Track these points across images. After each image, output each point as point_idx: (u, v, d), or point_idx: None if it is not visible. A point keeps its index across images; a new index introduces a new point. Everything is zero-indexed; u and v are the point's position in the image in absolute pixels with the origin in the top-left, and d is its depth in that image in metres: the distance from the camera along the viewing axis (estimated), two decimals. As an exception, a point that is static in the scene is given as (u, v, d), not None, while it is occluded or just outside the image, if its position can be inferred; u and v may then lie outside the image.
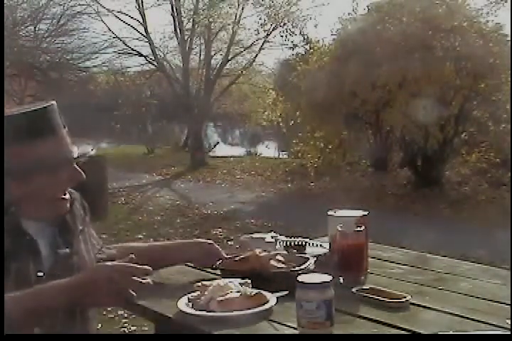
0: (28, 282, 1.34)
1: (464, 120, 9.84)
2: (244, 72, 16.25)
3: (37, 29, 16.92)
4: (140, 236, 7.05)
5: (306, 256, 1.73)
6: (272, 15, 14.51)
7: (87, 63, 17.30)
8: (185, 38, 14.95)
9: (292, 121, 11.83)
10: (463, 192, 10.04)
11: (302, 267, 1.63)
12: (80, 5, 15.97)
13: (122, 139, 20.36)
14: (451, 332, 1.28)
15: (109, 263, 1.29)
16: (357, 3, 11.53)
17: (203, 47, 15.90)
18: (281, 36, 14.62)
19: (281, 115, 12.98)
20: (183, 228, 7.56)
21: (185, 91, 14.98)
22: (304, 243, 1.91)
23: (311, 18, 14.69)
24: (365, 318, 1.41)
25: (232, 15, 14.98)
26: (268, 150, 20.49)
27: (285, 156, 17.10)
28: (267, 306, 1.42)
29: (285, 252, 1.80)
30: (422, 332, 1.32)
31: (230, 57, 15.62)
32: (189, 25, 14.98)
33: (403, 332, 1.33)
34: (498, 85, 9.31)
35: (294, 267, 1.64)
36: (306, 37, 14.17)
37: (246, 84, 17.60)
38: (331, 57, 10.63)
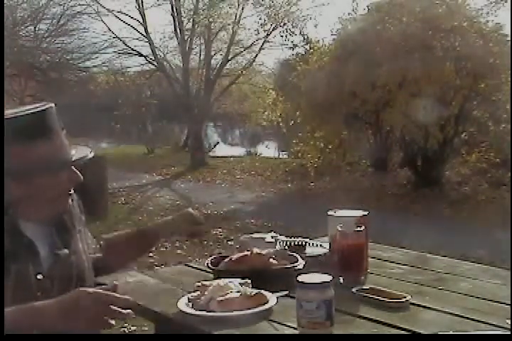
0: (27, 283, 1.34)
1: (463, 120, 9.84)
2: (244, 72, 16.25)
3: (37, 29, 16.91)
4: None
5: (295, 255, 1.74)
6: (272, 15, 14.50)
7: (87, 63, 17.29)
8: (185, 38, 14.94)
9: (292, 121, 11.83)
10: (463, 192, 10.04)
11: (301, 265, 1.64)
12: (79, 5, 15.96)
13: (122, 139, 20.36)
14: (451, 332, 1.29)
15: (90, 289, 1.26)
16: (357, 3, 11.54)
17: (203, 47, 15.90)
18: (281, 36, 14.62)
19: (281, 115, 12.98)
20: (183, 228, 7.54)
21: (185, 91, 14.98)
22: (304, 243, 1.92)
23: (311, 18, 14.65)
24: (365, 318, 1.41)
25: (232, 15, 14.97)
26: (268, 150, 20.48)
27: (285, 156, 17.09)
28: (267, 306, 1.43)
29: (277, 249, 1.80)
30: (422, 332, 1.32)
31: (230, 57, 15.61)
32: (189, 25, 14.97)
33: (403, 332, 1.33)
34: (498, 85, 9.30)
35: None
36: (306, 37, 14.17)
37: (246, 84, 17.59)
38: (331, 57, 10.63)
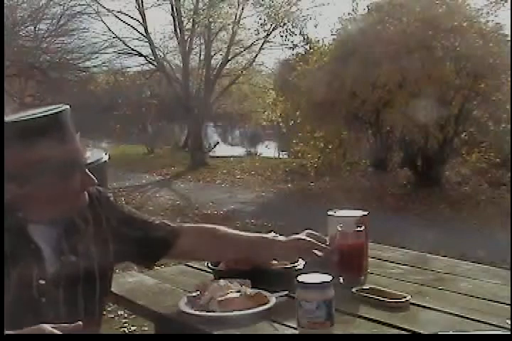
0: (29, 288, 1.33)
1: (463, 120, 9.84)
2: (244, 72, 16.25)
3: (37, 29, 16.92)
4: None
5: None
6: (272, 15, 14.51)
7: (87, 63, 17.29)
8: (185, 38, 14.95)
9: (292, 121, 11.83)
10: (463, 192, 10.04)
11: (301, 265, 1.64)
12: (79, 5, 15.97)
13: (122, 139, 20.34)
14: (451, 332, 1.28)
15: (49, 328, 1.22)
16: (357, 3, 11.55)
17: (203, 47, 15.91)
18: (281, 36, 14.64)
19: (281, 115, 12.99)
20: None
21: (185, 91, 14.98)
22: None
23: (311, 18, 14.70)
24: (365, 318, 1.41)
25: (232, 15, 14.98)
26: (268, 150, 20.48)
27: (285, 156, 17.10)
28: (267, 306, 1.42)
29: None
30: (422, 332, 1.32)
31: (230, 57, 15.61)
32: (189, 25, 14.98)
33: (403, 332, 1.33)
34: (498, 85, 9.30)
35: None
36: (306, 37, 14.18)
37: (246, 84, 17.59)
38: (331, 57, 10.63)
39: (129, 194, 10.68)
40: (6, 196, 1.35)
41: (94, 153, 1.43)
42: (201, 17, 14.33)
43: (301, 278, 1.32)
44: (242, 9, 15.17)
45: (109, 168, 1.92)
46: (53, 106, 1.38)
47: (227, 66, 16.08)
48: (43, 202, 1.35)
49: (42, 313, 1.35)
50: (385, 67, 8.84)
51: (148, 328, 3.66)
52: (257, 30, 15.01)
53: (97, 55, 16.75)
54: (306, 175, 11.73)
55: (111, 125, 18.22)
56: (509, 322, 1.34)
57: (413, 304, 1.49)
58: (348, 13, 11.36)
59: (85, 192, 1.42)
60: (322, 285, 1.30)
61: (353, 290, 1.55)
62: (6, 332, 1.19)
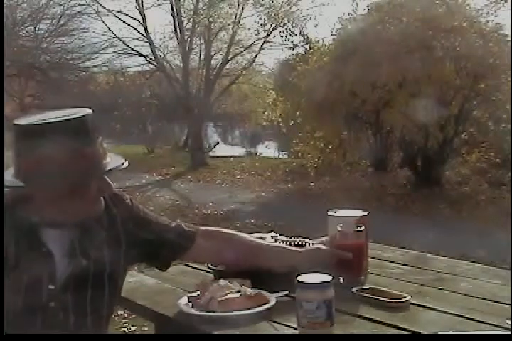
0: (38, 293, 1.32)
1: (464, 120, 9.83)
2: (244, 72, 16.25)
3: (37, 29, 16.94)
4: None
5: None
6: (272, 15, 14.49)
7: (87, 63, 17.30)
8: (185, 38, 14.94)
9: (292, 121, 11.83)
10: (463, 192, 10.03)
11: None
12: (79, 5, 15.98)
13: (122, 139, 20.33)
14: (451, 332, 1.28)
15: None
16: (357, 3, 11.56)
17: (203, 47, 15.90)
18: (281, 36, 14.61)
19: (281, 115, 12.99)
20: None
21: (185, 91, 14.98)
22: (304, 243, 1.91)
23: (311, 18, 14.64)
24: (365, 318, 1.41)
25: (232, 15, 14.97)
26: (268, 150, 20.49)
27: (285, 156, 17.10)
28: (266, 306, 1.43)
29: None
30: (422, 332, 1.32)
31: (230, 57, 15.61)
32: (189, 25, 14.98)
33: (403, 332, 1.33)
34: (498, 85, 9.30)
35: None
36: (306, 37, 14.15)
37: (246, 84, 17.59)
38: (331, 57, 10.63)
39: (129, 194, 10.48)
40: (19, 198, 1.35)
41: (114, 159, 1.40)
42: (201, 17, 14.33)
43: (301, 278, 1.32)
44: (242, 9, 15.18)
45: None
46: (76, 110, 1.35)
47: (227, 66, 16.08)
48: (59, 206, 1.34)
49: (50, 318, 1.34)
50: (385, 67, 8.84)
51: (148, 328, 3.66)
52: (257, 30, 15.02)
53: (97, 55, 16.77)
54: (306, 175, 11.72)
55: (111, 125, 18.22)
56: (509, 322, 1.34)
57: (413, 304, 1.49)
58: (348, 13, 11.37)
59: (101, 198, 1.40)
60: (322, 285, 1.30)
61: (353, 290, 1.55)
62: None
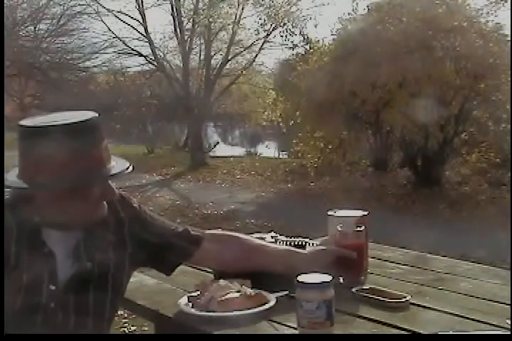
0: (39, 294, 1.32)
1: (464, 120, 9.84)
2: (244, 72, 16.24)
3: (37, 29, 16.95)
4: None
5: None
6: (272, 15, 14.49)
7: (87, 63, 17.32)
8: (185, 38, 14.94)
9: (292, 121, 11.83)
10: (463, 192, 10.04)
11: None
12: (79, 5, 15.98)
13: (122, 139, 20.33)
14: (451, 332, 1.28)
15: None
16: (357, 3, 11.58)
17: (203, 47, 15.90)
18: (281, 36, 14.61)
19: (281, 115, 12.99)
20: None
21: (185, 91, 14.98)
22: (304, 243, 1.91)
23: (311, 18, 14.65)
24: (365, 318, 1.41)
25: (232, 15, 14.97)
26: (268, 150, 20.49)
27: (285, 156, 17.10)
28: (267, 306, 1.43)
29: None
30: (422, 332, 1.32)
31: (230, 57, 15.61)
32: (189, 25, 14.98)
33: (403, 332, 1.33)
34: (498, 85, 9.30)
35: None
36: (306, 37, 14.16)
37: (246, 84, 17.59)
38: (331, 57, 10.63)
39: (129, 194, 10.67)
40: (22, 198, 1.34)
41: (118, 164, 1.39)
42: (201, 17, 14.32)
43: (301, 278, 1.32)
44: (242, 9, 15.17)
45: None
46: (80, 113, 1.33)
47: (227, 66, 16.08)
48: (61, 209, 1.33)
49: (50, 318, 1.34)
50: (385, 67, 8.84)
51: (148, 328, 3.66)
52: (257, 30, 15.02)
53: (97, 55, 16.79)
54: (306, 175, 11.72)
55: (111, 125, 18.22)
56: (509, 322, 1.34)
57: (413, 304, 1.49)
58: (348, 13, 11.38)
59: (105, 202, 1.39)
60: (322, 285, 1.30)
61: (353, 290, 1.55)
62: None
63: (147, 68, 17.36)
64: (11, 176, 1.33)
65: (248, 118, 17.90)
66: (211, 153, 16.68)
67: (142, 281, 1.76)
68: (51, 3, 16.09)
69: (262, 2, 14.69)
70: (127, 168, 1.37)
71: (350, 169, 11.74)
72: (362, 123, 10.54)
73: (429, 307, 1.47)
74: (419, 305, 1.49)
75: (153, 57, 15.43)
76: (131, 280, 1.61)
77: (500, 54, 9.00)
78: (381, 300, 1.48)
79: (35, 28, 16.91)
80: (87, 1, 15.58)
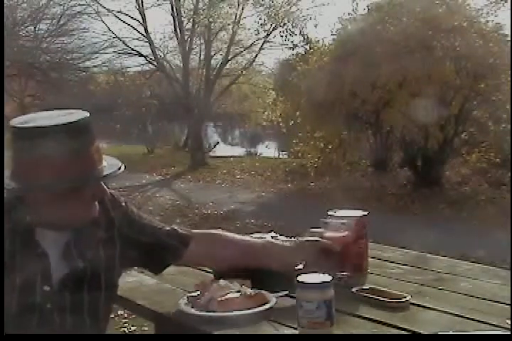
0: (33, 294, 1.32)
1: (464, 120, 9.84)
2: (244, 72, 16.26)
3: (37, 29, 16.93)
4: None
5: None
6: (272, 15, 14.50)
7: (87, 63, 17.30)
8: (185, 38, 14.95)
9: (292, 121, 11.83)
10: (463, 192, 10.04)
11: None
12: (79, 5, 15.99)
13: (122, 139, 20.34)
14: (451, 332, 1.28)
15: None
16: (357, 3, 11.58)
17: (203, 47, 15.91)
18: (281, 36, 14.62)
19: (281, 115, 12.98)
20: (183, 228, 7.56)
21: (185, 91, 14.98)
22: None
23: (311, 18, 14.66)
24: (365, 318, 1.41)
25: (232, 15, 14.99)
26: (268, 150, 20.49)
27: (285, 156, 17.09)
28: (267, 306, 1.43)
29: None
30: (422, 332, 1.32)
31: (230, 57, 15.62)
32: (189, 25, 14.99)
33: (403, 332, 1.33)
34: (498, 85, 9.30)
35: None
36: (306, 37, 14.16)
37: (246, 84, 17.60)
38: (331, 57, 10.63)
39: (129, 194, 10.67)
40: (13, 198, 1.33)
41: (110, 164, 1.38)
42: (201, 17, 14.33)
43: (301, 278, 1.32)
44: (242, 9, 15.20)
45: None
46: (71, 112, 1.32)
47: (227, 66, 16.09)
48: (53, 209, 1.32)
49: (46, 319, 1.34)
50: (385, 67, 8.84)
51: (148, 328, 3.66)
52: (257, 30, 15.04)
53: (97, 55, 16.78)
54: (306, 175, 11.72)
55: (111, 125, 18.22)
56: (509, 322, 1.34)
57: (413, 304, 1.49)
58: (348, 13, 11.38)
59: (96, 202, 1.39)
60: (322, 285, 1.30)
61: (353, 290, 1.55)
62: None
63: (147, 68, 17.39)
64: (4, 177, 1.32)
65: (248, 118, 17.91)
66: (211, 153, 16.69)
67: (142, 281, 1.76)
68: (51, 3, 16.09)
69: (262, 2, 14.71)
70: (119, 168, 1.37)
71: (350, 169, 11.73)
72: (362, 123, 10.54)
73: (429, 307, 1.47)
74: (419, 305, 1.49)
75: (153, 57, 15.44)
76: (131, 280, 1.61)
77: (500, 54, 9.00)
78: (381, 300, 1.48)
79: (35, 28, 16.90)
80: (87, 1, 15.63)
